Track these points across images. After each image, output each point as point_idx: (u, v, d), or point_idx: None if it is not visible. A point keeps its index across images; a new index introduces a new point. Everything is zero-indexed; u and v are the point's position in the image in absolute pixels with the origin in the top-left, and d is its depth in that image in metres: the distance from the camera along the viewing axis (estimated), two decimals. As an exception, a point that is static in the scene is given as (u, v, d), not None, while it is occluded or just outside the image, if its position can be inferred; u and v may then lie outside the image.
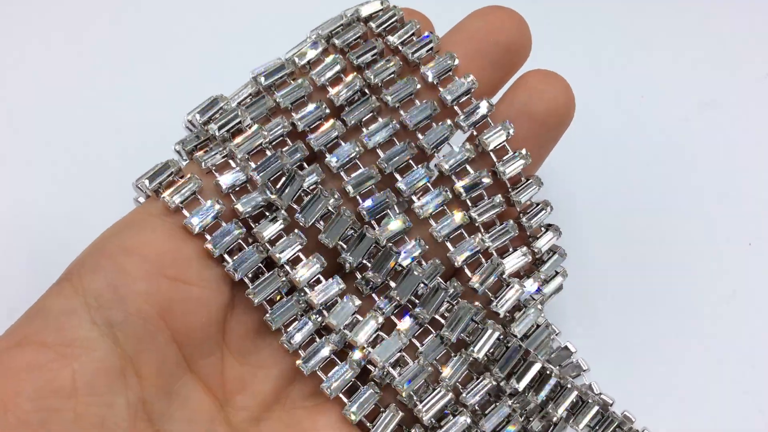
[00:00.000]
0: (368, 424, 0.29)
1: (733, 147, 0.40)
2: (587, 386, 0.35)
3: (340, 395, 0.29)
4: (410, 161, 0.29)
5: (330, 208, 0.29)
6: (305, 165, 0.29)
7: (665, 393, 0.36)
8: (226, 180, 0.28)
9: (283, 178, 0.28)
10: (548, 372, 0.29)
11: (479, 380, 0.29)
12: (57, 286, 0.27)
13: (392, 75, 0.29)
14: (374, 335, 0.29)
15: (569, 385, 0.30)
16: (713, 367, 0.36)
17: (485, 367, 0.30)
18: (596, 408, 0.29)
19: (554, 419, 0.30)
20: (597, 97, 0.41)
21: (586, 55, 0.42)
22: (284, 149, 0.29)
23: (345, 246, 0.29)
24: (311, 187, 0.29)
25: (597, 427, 0.30)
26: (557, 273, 0.32)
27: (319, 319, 0.29)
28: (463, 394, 0.29)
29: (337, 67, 0.29)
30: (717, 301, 0.37)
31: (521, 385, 0.29)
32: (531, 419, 0.30)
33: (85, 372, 0.25)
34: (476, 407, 0.30)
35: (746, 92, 0.41)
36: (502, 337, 0.29)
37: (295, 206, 0.29)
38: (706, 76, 0.41)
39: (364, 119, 0.29)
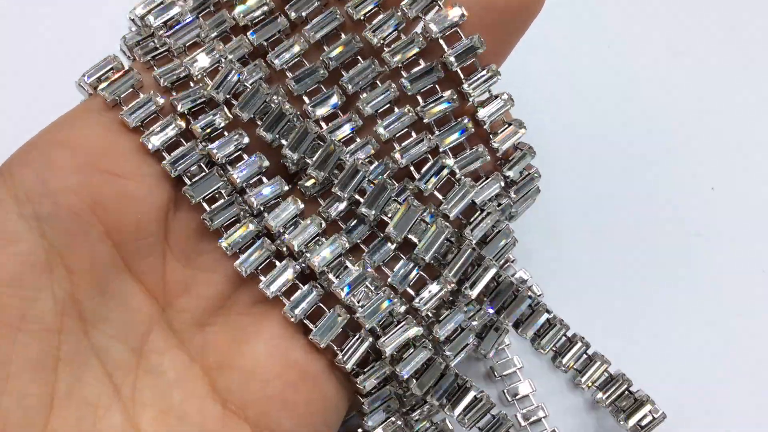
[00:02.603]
0: (311, 326, 0.27)
1: (698, 95, 0.40)
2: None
3: (281, 297, 0.28)
4: (358, 57, 0.28)
5: (273, 105, 0.27)
6: (250, 61, 0.28)
7: (632, 331, 0.37)
8: (164, 72, 0.27)
9: (222, 71, 0.27)
10: (502, 279, 0.28)
11: (430, 285, 0.28)
12: None
13: None
14: (313, 239, 0.27)
15: (522, 294, 0.28)
16: (679, 303, 0.37)
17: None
18: (545, 316, 0.28)
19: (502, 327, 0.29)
20: (564, 45, 0.41)
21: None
22: (227, 45, 0.28)
23: (285, 141, 0.27)
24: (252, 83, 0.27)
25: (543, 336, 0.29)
26: (528, 174, 0.29)
27: (259, 219, 0.28)
28: (415, 300, 0.28)
29: None
30: (681, 242, 0.38)
31: (474, 292, 0.27)
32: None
33: (8, 263, 0.25)
34: (429, 314, 0.28)
35: (714, 43, 0.41)
36: (453, 239, 0.28)
37: (234, 101, 0.27)
38: (675, 28, 0.41)
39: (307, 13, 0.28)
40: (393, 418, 0.29)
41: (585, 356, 0.31)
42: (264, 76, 0.28)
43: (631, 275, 0.37)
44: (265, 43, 0.28)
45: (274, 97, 0.27)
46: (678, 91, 0.40)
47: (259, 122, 0.27)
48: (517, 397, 0.35)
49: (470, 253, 0.27)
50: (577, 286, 0.37)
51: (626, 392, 0.33)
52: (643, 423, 0.32)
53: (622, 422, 0.33)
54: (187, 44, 0.27)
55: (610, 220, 0.38)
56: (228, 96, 0.27)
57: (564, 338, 0.31)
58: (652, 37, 0.41)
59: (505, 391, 0.35)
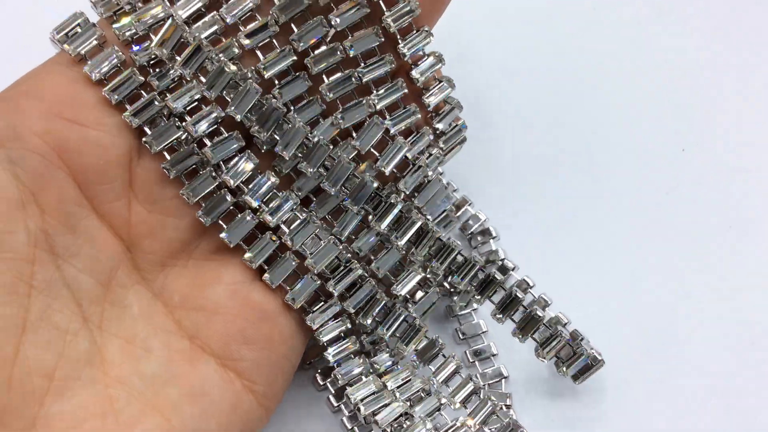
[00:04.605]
0: (266, 268, 0.30)
1: (670, 58, 0.41)
2: (494, 252, 0.36)
3: (241, 244, 0.30)
4: (307, 14, 0.29)
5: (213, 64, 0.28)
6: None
7: (603, 289, 0.38)
8: (123, 26, 0.29)
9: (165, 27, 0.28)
10: (429, 229, 0.31)
11: (368, 231, 0.31)
12: None
13: None
14: (269, 194, 0.30)
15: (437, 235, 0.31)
16: (649, 260, 0.38)
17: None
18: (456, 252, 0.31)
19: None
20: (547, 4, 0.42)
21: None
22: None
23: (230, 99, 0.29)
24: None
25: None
26: (456, 126, 0.32)
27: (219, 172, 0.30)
28: (355, 243, 0.30)
29: None
30: (652, 199, 0.39)
31: (402, 242, 0.30)
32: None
33: None
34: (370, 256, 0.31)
35: (684, 6, 0.42)
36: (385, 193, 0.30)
37: (178, 57, 0.29)
38: None
39: None
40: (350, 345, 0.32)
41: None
42: (218, 30, 0.29)
43: (602, 236, 0.38)
44: None
45: (214, 56, 0.28)
46: (649, 53, 0.41)
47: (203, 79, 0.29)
48: (468, 336, 0.37)
49: (399, 205, 0.30)
50: (547, 248, 0.38)
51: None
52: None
53: (563, 373, 0.35)
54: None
55: (582, 180, 0.39)
56: (172, 52, 0.28)
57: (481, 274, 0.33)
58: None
59: (457, 329, 0.37)
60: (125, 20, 0.29)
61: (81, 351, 0.28)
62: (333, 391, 0.35)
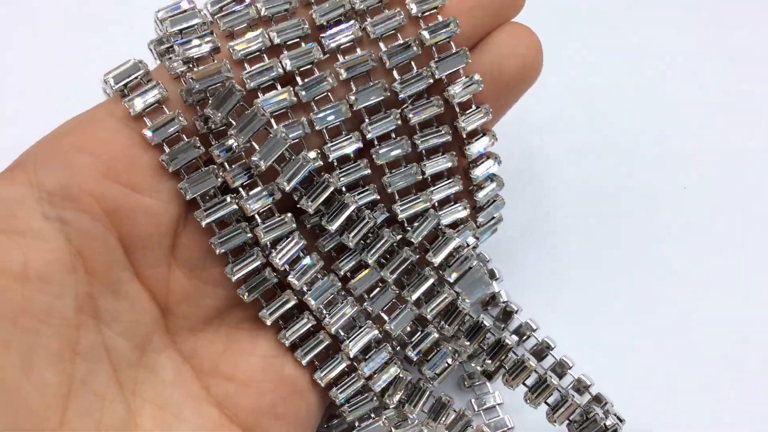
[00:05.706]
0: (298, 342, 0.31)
1: (671, 100, 0.42)
2: (497, 294, 0.38)
3: (279, 322, 0.30)
4: (381, 104, 0.29)
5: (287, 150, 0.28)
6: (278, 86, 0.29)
7: (597, 325, 0.38)
8: (188, 90, 0.28)
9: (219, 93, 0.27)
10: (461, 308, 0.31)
11: (402, 309, 0.31)
12: (9, 173, 0.27)
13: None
14: (313, 276, 0.30)
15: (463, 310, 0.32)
16: (650, 296, 0.39)
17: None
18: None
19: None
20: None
21: None
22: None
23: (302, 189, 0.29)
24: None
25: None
26: (493, 218, 0.33)
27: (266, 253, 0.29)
28: (387, 324, 0.31)
29: None
30: (655, 238, 0.40)
31: (430, 314, 0.31)
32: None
33: (36, 260, 0.26)
34: (404, 337, 0.32)
35: (685, 48, 0.43)
36: (436, 282, 0.31)
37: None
38: (653, 33, 0.44)
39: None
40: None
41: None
42: (288, 104, 0.29)
43: (604, 271, 0.39)
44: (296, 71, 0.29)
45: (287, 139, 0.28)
46: (652, 95, 0.42)
47: (256, 146, 0.28)
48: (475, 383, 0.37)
49: (432, 279, 0.31)
50: (544, 283, 0.39)
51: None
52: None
53: None
54: (195, 56, 0.28)
55: (581, 218, 0.40)
56: (227, 115, 0.28)
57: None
58: (625, 39, 0.43)
59: (463, 376, 0.38)
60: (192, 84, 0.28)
61: (118, 418, 0.28)
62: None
